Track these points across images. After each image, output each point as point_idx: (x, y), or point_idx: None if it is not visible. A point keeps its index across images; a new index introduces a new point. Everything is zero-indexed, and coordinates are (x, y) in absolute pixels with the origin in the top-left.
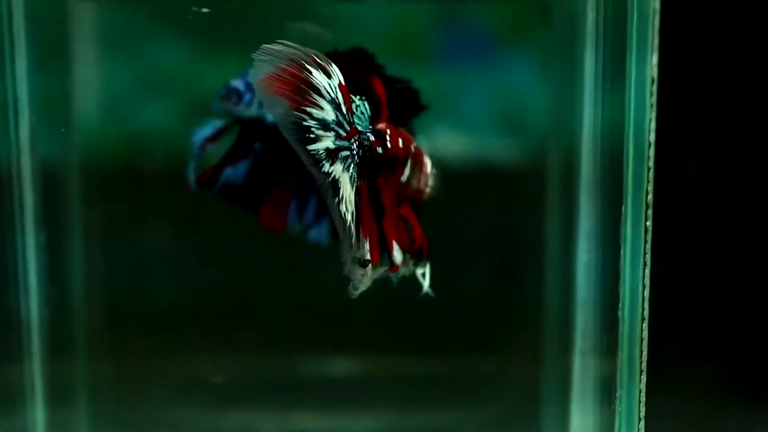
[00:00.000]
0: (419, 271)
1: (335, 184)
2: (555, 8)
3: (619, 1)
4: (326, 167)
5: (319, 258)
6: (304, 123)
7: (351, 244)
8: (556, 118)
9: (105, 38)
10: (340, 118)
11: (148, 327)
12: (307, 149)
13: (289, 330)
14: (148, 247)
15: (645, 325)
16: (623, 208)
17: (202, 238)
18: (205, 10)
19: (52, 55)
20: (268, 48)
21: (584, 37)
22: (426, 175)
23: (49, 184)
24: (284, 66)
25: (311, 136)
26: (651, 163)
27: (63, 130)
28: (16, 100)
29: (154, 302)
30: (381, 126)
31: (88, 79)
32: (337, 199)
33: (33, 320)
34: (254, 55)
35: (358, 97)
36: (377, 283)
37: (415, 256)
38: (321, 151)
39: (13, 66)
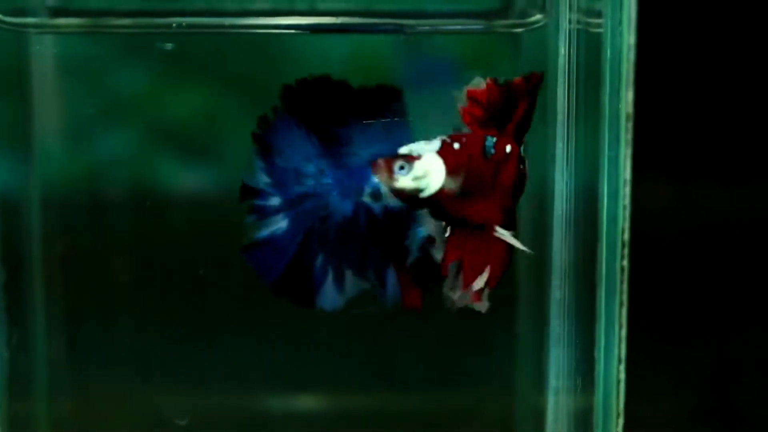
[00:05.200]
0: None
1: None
2: (524, 39)
3: (591, 35)
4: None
5: None
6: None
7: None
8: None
9: (65, 68)
10: None
11: (111, 364)
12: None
13: (258, 366)
14: (110, 282)
15: (622, 367)
16: (598, 246)
17: (168, 273)
18: (168, 46)
19: (11, 88)
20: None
21: (556, 70)
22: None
23: (9, 219)
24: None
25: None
26: (627, 201)
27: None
28: None
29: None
30: None
31: (48, 110)
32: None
33: None
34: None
35: None
36: (349, 318)
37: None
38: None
39: None
